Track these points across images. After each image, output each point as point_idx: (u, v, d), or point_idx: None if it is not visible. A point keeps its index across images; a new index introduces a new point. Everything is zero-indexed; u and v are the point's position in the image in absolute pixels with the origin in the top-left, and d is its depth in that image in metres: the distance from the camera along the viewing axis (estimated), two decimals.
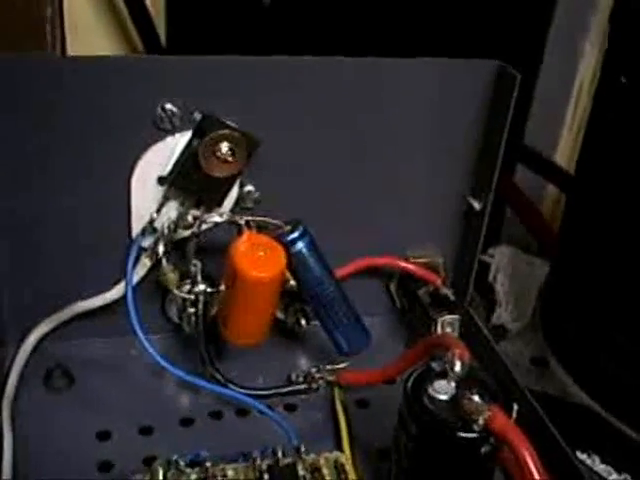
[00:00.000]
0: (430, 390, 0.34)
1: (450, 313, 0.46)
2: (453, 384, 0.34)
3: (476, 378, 0.35)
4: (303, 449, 0.38)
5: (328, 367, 0.44)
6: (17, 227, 0.42)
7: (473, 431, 0.33)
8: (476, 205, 0.47)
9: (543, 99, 0.78)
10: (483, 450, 0.33)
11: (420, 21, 0.69)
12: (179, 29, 0.63)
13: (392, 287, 0.50)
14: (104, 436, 0.41)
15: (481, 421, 0.32)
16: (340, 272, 0.45)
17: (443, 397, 0.34)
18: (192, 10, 0.64)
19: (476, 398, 0.33)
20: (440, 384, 0.34)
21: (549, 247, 0.64)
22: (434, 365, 0.36)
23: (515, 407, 0.34)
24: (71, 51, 0.59)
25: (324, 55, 0.43)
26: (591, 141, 0.50)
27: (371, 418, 0.44)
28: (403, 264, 0.48)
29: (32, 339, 0.44)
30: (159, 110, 0.41)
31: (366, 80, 0.44)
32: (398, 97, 0.45)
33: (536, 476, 0.30)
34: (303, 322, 0.46)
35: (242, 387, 0.43)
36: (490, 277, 0.57)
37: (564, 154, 0.78)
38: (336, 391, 0.44)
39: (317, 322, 0.45)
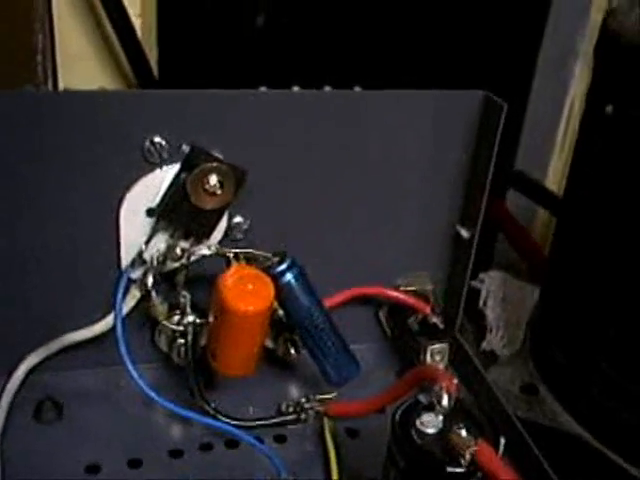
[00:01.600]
0: (418, 423, 0.34)
1: (439, 341, 0.46)
2: (440, 417, 0.34)
3: (464, 410, 0.35)
4: None
5: (318, 397, 0.44)
6: (5, 260, 0.42)
7: (461, 466, 0.32)
8: (464, 233, 0.47)
9: (534, 123, 0.79)
10: None
11: (410, 50, 0.70)
12: (171, 58, 0.64)
13: (382, 315, 0.50)
14: (93, 469, 0.41)
15: (468, 456, 0.32)
16: (329, 302, 0.45)
17: (431, 430, 0.34)
18: (184, 39, 0.64)
19: (463, 432, 0.33)
20: (428, 417, 0.34)
21: (541, 272, 0.64)
22: (421, 398, 0.36)
23: (502, 441, 0.34)
24: (63, 82, 0.59)
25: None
26: (578, 168, 0.51)
27: (361, 447, 0.44)
28: (392, 293, 0.48)
29: (21, 371, 0.44)
30: (148, 143, 0.41)
31: (353, 112, 0.44)
32: (386, 128, 0.45)
33: None
34: (293, 352, 0.46)
35: (232, 418, 0.43)
36: (480, 303, 0.57)
37: (555, 178, 0.78)
38: (325, 422, 0.44)
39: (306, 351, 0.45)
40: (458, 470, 0.33)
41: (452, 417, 0.34)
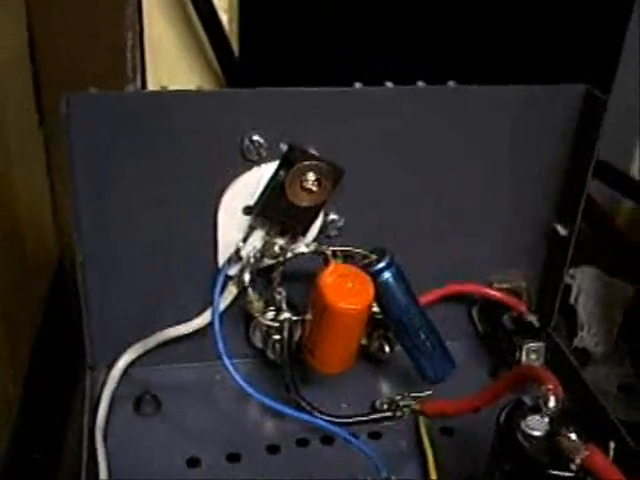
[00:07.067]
0: (523, 426, 0.34)
1: (535, 340, 0.45)
2: (547, 420, 0.34)
3: (570, 413, 0.34)
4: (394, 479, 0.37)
5: (413, 394, 0.44)
6: (107, 256, 0.43)
7: (570, 470, 0.32)
8: (562, 231, 0.46)
9: (616, 110, 0.76)
10: None
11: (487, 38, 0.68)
12: (253, 53, 0.63)
13: (474, 313, 0.50)
14: (194, 463, 0.42)
15: (578, 460, 0.32)
16: (424, 299, 0.45)
17: (537, 433, 0.34)
18: (265, 33, 0.64)
19: (573, 436, 0.33)
20: (533, 419, 0.34)
21: (630, 265, 0.62)
22: (526, 399, 0.35)
23: (612, 445, 0.33)
24: (150, 76, 0.60)
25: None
26: None
27: (455, 446, 0.44)
28: (488, 291, 0.47)
29: (121, 365, 0.45)
30: (247, 141, 0.41)
31: (448, 107, 0.43)
32: (481, 123, 0.44)
33: None
34: (387, 349, 0.46)
35: (327, 414, 0.43)
36: (571, 299, 0.56)
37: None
38: (421, 420, 0.43)
39: (400, 348, 0.45)
40: (567, 475, 0.32)
41: (559, 420, 0.34)
